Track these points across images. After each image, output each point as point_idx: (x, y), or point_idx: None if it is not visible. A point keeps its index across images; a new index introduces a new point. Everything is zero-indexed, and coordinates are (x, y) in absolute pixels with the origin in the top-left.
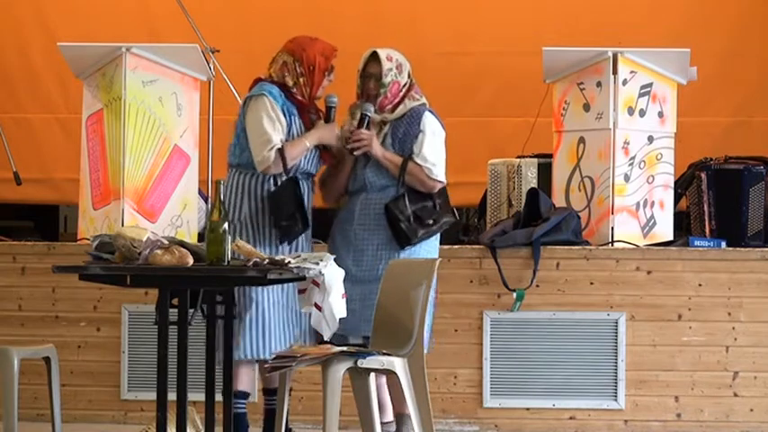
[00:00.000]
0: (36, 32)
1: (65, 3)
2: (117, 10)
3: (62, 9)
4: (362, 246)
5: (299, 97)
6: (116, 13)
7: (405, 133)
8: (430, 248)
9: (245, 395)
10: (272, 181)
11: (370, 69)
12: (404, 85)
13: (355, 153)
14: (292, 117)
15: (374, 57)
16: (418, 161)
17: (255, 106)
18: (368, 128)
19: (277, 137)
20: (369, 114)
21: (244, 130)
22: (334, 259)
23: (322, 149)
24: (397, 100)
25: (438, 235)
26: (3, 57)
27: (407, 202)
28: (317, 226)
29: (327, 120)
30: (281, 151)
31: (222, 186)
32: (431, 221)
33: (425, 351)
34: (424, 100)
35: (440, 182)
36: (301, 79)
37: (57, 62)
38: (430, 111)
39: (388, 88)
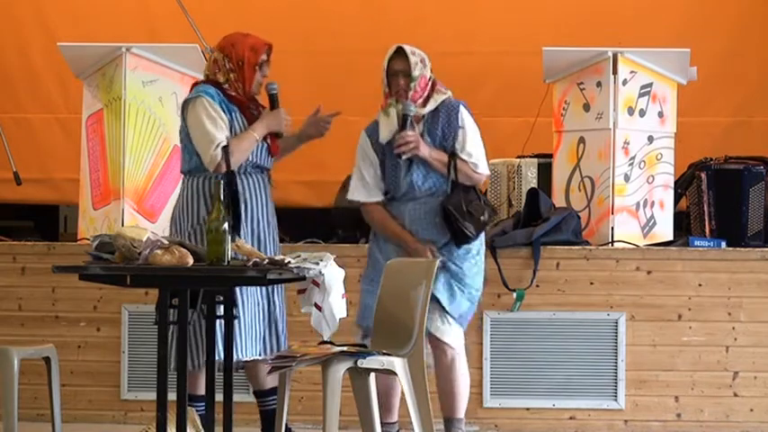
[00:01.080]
0: (36, 32)
1: (65, 3)
2: (117, 10)
3: (62, 9)
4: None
5: (233, 93)
6: (116, 14)
7: (444, 128)
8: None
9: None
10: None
11: (397, 66)
12: (429, 79)
13: (403, 157)
14: (233, 114)
15: (399, 52)
16: (464, 157)
17: (194, 108)
18: (411, 128)
19: (221, 134)
20: (411, 114)
21: (188, 135)
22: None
23: (270, 139)
24: (426, 93)
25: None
26: (3, 57)
27: (462, 201)
28: (316, 225)
29: (272, 107)
30: (226, 149)
31: (180, 194)
32: (484, 217)
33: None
34: (450, 93)
35: (485, 175)
36: (232, 75)
37: (57, 62)
38: (463, 104)
39: (417, 82)
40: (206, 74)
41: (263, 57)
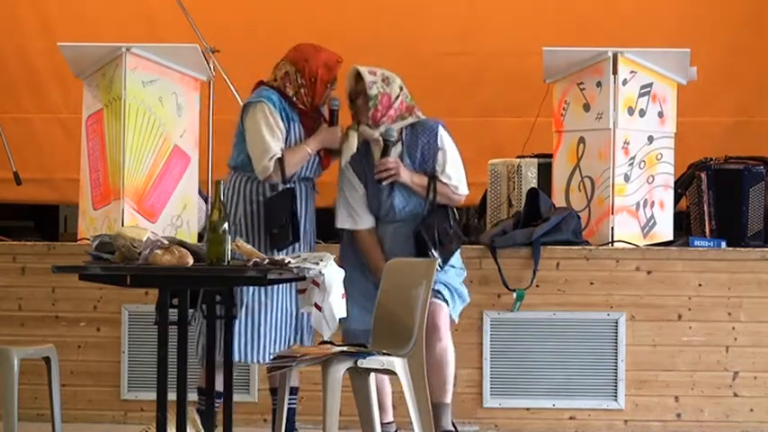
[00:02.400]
0: (36, 32)
1: (65, 3)
2: (117, 10)
3: (62, 9)
4: None
5: (300, 106)
6: (116, 14)
7: (424, 150)
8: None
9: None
10: (267, 186)
11: (356, 87)
12: (395, 98)
13: (384, 183)
14: (292, 123)
15: (355, 74)
16: (443, 180)
17: (254, 113)
18: (390, 153)
19: (277, 146)
20: (391, 140)
21: (242, 134)
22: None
23: (324, 153)
24: (391, 112)
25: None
26: (3, 56)
27: (436, 228)
28: (319, 226)
29: (331, 123)
30: (280, 161)
31: (222, 186)
32: (454, 245)
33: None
34: (422, 118)
35: (464, 195)
36: (302, 90)
37: (57, 62)
38: (442, 124)
39: (377, 100)
40: (274, 80)
41: (336, 74)
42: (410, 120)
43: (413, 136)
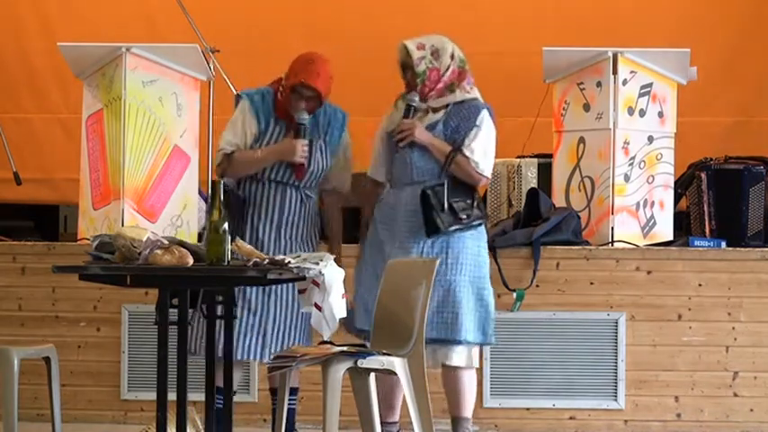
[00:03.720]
0: (36, 32)
1: (65, 3)
2: (117, 10)
3: (62, 9)
4: (408, 244)
5: (280, 99)
6: (116, 14)
7: (458, 124)
8: (470, 244)
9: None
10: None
11: (404, 61)
12: (446, 70)
13: (401, 145)
14: (275, 125)
15: (403, 48)
16: (466, 153)
17: (236, 107)
18: (413, 116)
19: (231, 142)
20: (413, 104)
21: None
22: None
23: (294, 168)
24: (440, 86)
25: (482, 236)
26: (3, 57)
27: (446, 193)
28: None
29: (296, 136)
30: (229, 156)
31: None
32: (464, 216)
33: (492, 341)
34: (476, 95)
35: (485, 176)
36: (281, 88)
37: (57, 62)
38: (488, 108)
39: (425, 76)
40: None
41: (303, 90)
42: (460, 96)
43: (457, 109)
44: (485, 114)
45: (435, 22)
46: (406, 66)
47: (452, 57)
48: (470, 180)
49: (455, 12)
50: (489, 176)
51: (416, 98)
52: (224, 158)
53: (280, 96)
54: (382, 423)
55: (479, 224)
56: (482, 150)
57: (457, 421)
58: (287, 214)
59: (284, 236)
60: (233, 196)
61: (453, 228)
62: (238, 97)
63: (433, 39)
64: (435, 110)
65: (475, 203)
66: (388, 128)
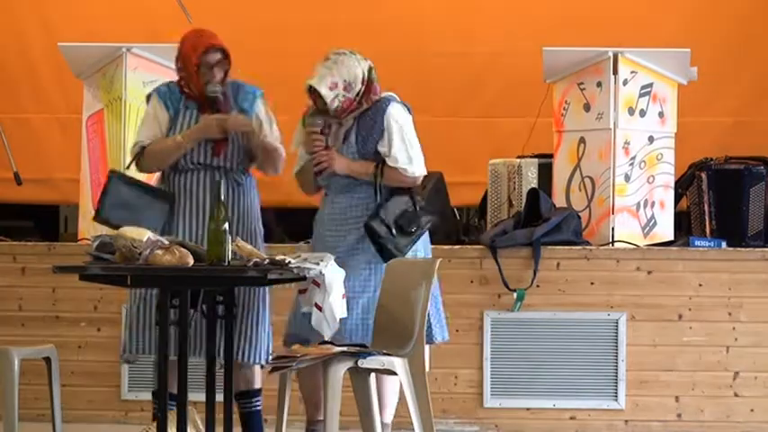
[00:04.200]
0: (36, 33)
1: (65, 3)
2: (117, 10)
3: (63, 9)
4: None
5: (187, 91)
6: (116, 14)
7: (367, 134)
8: (417, 248)
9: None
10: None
11: (316, 96)
12: (358, 95)
13: (320, 176)
14: (186, 111)
15: (314, 91)
16: (390, 164)
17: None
18: (219, 110)
19: (144, 134)
20: (316, 127)
21: None
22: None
23: (217, 141)
24: (354, 106)
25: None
26: (3, 57)
27: (386, 215)
28: (287, 225)
29: (212, 111)
30: (144, 149)
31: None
32: (413, 228)
33: (445, 339)
34: (379, 96)
35: (419, 176)
36: (182, 74)
37: (57, 62)
38: (393, 100)
39: (341, 107)
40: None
41: (207, 57)
42: (366, 105)
43: (363, 118)
44: (390, 111)
45: (435, 23)
46: (316, 97)
47: (363, 80)
48: (406, 185)
49: (456, 12)
50: (424, 172)
51: (320, 121)
52: (140, 151)
53: (185, 87)
54: (311, 422)
55: (429, 225)
56: (403, 152)
57: None
58: (235, 205)
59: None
60: (160, 192)
61: (409, 246)
62: (148, 97)
63: (344, 67)
64: (346, 121)
65: (416, 207)
66: (294, 146)
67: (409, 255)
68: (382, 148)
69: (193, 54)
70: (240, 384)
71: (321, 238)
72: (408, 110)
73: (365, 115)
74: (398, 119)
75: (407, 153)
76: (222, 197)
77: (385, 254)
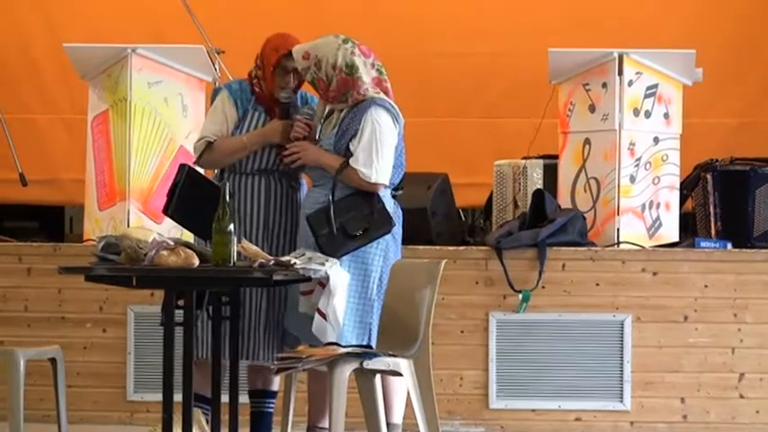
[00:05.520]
0: (41, 33)
1: (70, 3)
2: (122, 11)
3: (67, 10)
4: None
5: (258, 90)
6: (121, 14)
7: (345, 130)
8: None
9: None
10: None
11: (292, 64)
12: (330, 80)
13: (291, 166)
14: (254, 111)
15: (292, 54)
16: (351, 163)
17: (212, 101)
18: (289, 117)
19: (211, 130)
20: (285, 101)
21: None
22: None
23: (279, 149)
24: (333, 93)
25: (375, 244)
26: (8, 57)
27: (333, 214)
28: None
29: (280, 116)
30: (210, 144)
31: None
32: (357, 233)
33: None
34: (371, 95)
35: (380, 184)
36: (258, 73)
37: (62, 63)
38: (378, 102)
39: (315, 84)
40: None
41: (286, 61)
42: (352, 102)
43: (347, 115)
44: (371, 113)
45: (440, 23)
46: (293, 69)
47: (335, 67)
48: (363, 189)
49: (460, 12)
50: (385, 182)
51: (287, 95)
52: (206, 147)
53: (257, 86)
54: (311, 427)
55: (378, 237)
56: (366, 154)
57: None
58: (273, 208)
59: (273, 232)
60: (207, 184)
61: (347, 251)
62: (216, 91)
63: (319, 46)
64: (338, 111)
65: (375, 214)
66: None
67: (376, 257)
68: (352, 147)
69: (273, 55)
70: (257, 383)
71: (303, 228)
72: (395, 118)
73: (351, 111)
74: (376, 122)
75: (370, 157)
76: (273, 201)
77: (322, 250)
